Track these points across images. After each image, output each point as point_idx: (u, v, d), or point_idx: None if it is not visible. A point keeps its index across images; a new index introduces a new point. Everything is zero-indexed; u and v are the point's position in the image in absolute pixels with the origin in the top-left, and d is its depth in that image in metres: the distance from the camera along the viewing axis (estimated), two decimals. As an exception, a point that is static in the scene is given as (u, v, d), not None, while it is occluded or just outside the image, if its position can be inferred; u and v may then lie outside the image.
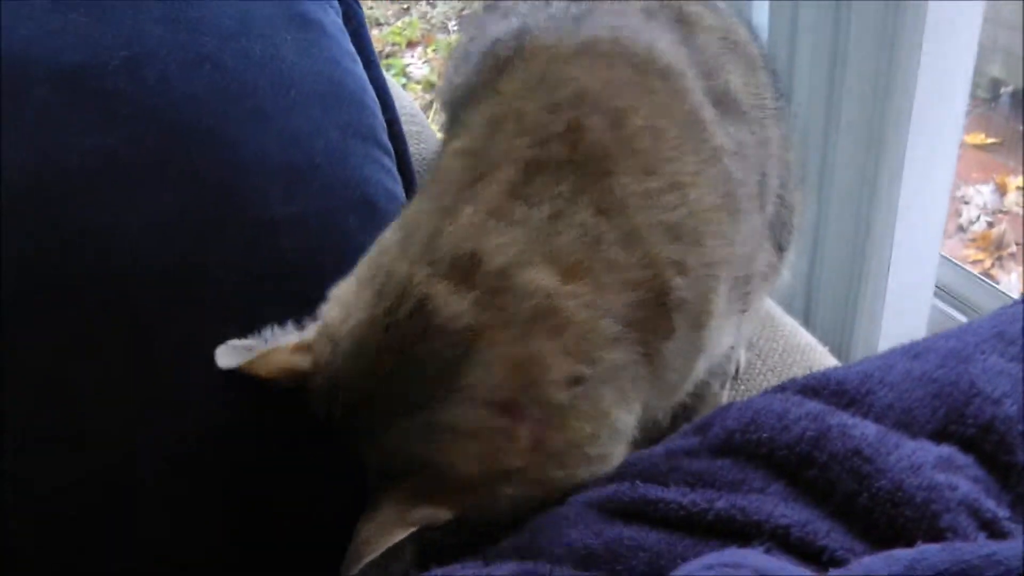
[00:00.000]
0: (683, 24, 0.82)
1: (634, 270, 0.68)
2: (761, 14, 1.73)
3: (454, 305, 0.65)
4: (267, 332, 0.75)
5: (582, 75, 0.73)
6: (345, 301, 0.71)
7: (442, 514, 0.66)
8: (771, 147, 0.86)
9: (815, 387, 0.67)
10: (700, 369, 0.78)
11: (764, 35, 1.71)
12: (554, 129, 0.70)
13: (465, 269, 0.66)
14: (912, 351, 0.68)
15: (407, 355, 0.66)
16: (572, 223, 0.67)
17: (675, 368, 0.74)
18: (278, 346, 0.73)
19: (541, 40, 0.77)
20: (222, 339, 0.75)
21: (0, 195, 0.72)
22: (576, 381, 0.66)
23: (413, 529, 0.65)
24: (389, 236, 0.73)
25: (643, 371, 0.70)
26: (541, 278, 0.66)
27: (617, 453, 0.70)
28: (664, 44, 0.78)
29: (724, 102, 0.80)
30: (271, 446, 0.76)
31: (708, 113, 0.77)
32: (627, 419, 0.71)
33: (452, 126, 0.81)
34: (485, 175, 0.70)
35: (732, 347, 0.88)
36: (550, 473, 0.67)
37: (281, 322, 0.76)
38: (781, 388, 0.69)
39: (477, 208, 0.68)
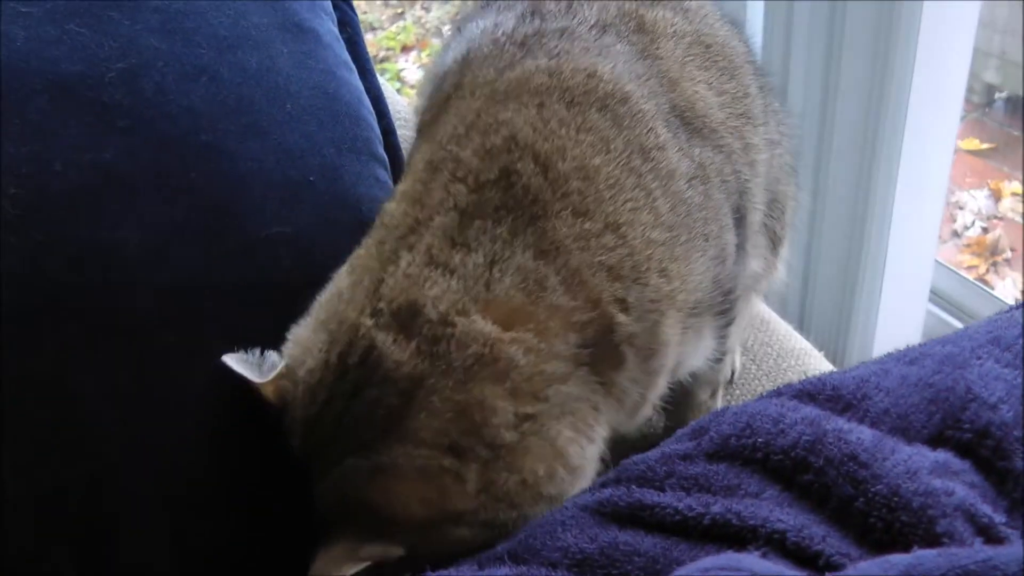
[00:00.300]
0: (643, 34, 0.81)
1: (578, 312, 0.69)
2: (756, 17, 1.73)
3: (396, 354, 0.67)
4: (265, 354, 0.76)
5: (514, 117, 0.74)
6: (304, 343, 0.73)
7: (393, 551, 0.67)
8: (752, 153, 0.86)
9: (811, 392, 0.67)
10: (662, 386, 0.79)
11: (758, 39, 1.72)
12: (488, 176, 0.72)
13: (405, 319, 0.68)
14: (908, 356, 0.68)
15: (357, 399, 0.68)
16: (510, 268, 0.69)
17: (634, 393, 0.75)
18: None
19: (479, 76, 0.78)
20: (218, 349, 0.75)
21: (3, 206, 0.72)
22: (524, 419, 0.67)
23: (364, 564, 0.66)
24: (342, 278, 0.75)
25: (601, 399, 0.72)
26: (480, 326, 0.67)
27: (577, 488, 0.71)
28: (610, 65, 0.77)
29: (688, 117, 0.79)
30: (269, 449, 0.77)
31: (661, 136, 0.76)
32: (588, 450, 0.72)
33: (409, 157, 0.83)
34: (423, 222, 0.71)
35: (722, 355, 0.88)
36: (501, 515, 0.68)
37: (274, 337, 0.77)
38: (777, 393, 0.69)
39: (416, 256, 0.70)
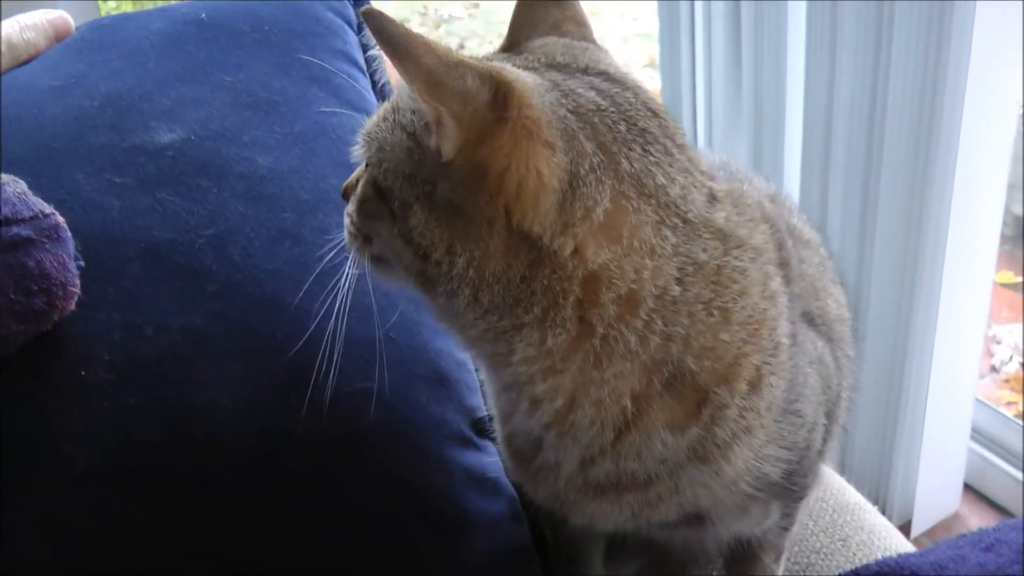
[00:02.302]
0: (792, 238, 0.84)
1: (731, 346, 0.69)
2: (792, 174, 1.77)
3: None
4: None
5: None
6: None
7: None
8: (845, 371, 0.87)
9: (889, 576, 0.68)
10: (669, 512, 0.76)
11: (797, 188, 1.76)
12: None
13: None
14: (983, 542, 0.69)
15: None
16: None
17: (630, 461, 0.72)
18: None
19: None
20: (302, 501, 0.78)
21: (96, 372, 0.74)
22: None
23: None
24: None
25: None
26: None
27: None
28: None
29: (818, 322, 0.82)
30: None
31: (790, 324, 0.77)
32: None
33: None
34: None
35: (788, 527, 0.88)
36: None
37: (358, 487, 0.79)
38: (855, 574, 0.70)
39: None
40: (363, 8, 0.63)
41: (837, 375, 0.83)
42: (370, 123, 0.72)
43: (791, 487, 0.79)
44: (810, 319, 0.81)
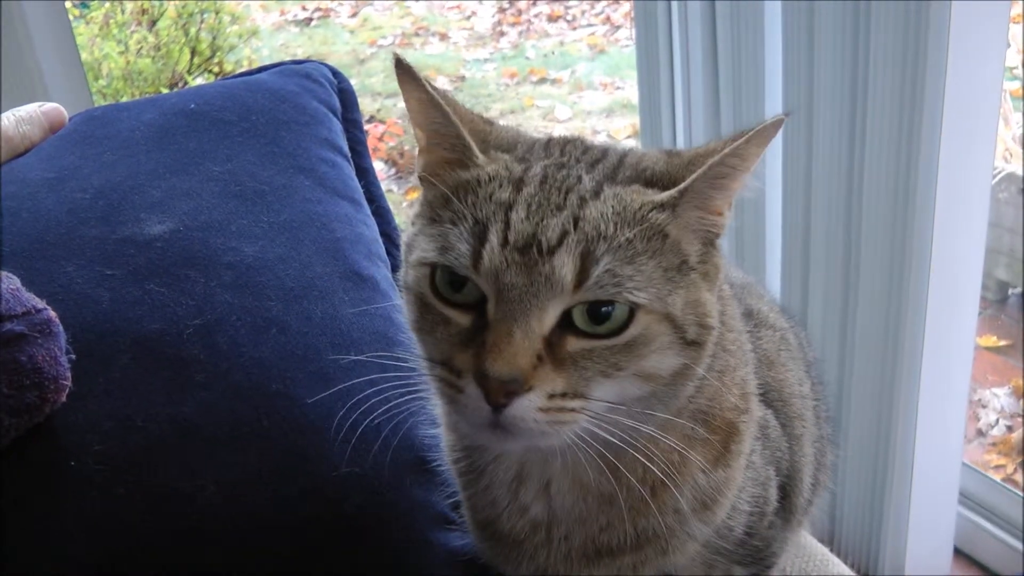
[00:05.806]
0: (750, 319, 0.89)
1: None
2: (774, 242, 1.79)
3: None
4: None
5: None
6: None
7: None
8: (805, 445, 0.90)
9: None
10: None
11: (779, 252, 1.78)
12: None
13: None
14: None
15: None
16: None
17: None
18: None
19: None
20: None
21: (87, 463, 0.76)
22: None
23: None
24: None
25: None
26: None
27: None
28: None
29: (772, 398, 0.86)
30: None
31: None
32: None
33: None
34: None
35: None
36: None
37: (347, 570, 0.80)
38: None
39: None
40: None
41: (796, 444, 0.87)
42: (612, 267, 0.65)
43: (754, 551, 0.82)
44: (764, 391, 0.85)
